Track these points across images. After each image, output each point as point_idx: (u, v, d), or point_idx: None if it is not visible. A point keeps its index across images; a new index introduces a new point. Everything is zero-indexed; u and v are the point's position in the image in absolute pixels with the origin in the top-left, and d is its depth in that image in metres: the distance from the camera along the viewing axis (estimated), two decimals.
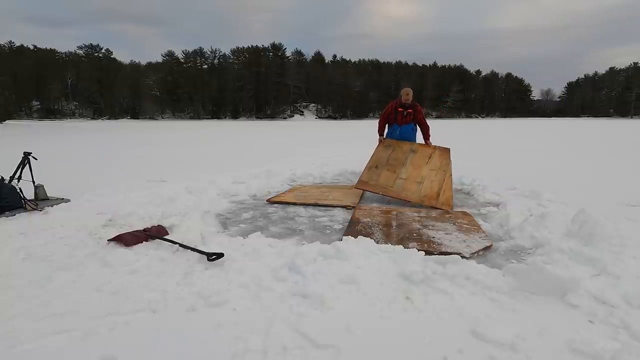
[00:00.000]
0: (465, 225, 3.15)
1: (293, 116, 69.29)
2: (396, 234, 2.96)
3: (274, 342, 1.52)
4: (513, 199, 4.08)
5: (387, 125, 5.25)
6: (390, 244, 2.58)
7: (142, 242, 2.64)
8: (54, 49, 69.09)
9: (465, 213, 3.60)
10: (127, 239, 2.62)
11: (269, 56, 73.08)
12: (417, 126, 5.14)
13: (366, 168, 4.26)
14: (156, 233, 2.79)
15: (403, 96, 5.01)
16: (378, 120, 5.29)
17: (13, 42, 66.01)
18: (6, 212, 3.46)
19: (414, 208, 3.81)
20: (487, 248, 2.64)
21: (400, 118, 5.05)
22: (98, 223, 3.19)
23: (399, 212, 3.67)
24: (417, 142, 5.06)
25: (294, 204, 4.10)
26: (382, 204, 4.19)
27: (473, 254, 2.51)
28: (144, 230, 2.82)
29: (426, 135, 5.09)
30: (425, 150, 4.70)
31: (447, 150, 4.63)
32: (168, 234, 2.84)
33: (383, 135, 5.21)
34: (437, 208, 3.79)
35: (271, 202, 4.21)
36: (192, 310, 1.78)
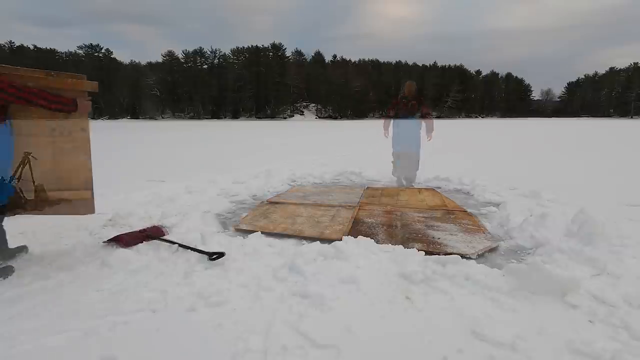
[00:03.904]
0: (470, 226, 3.13)
1: (293, 116, 69.36)
2: (399, 234, 2.95)
3: (274, 342, 1.52)
4: (513, 199, 4.08)
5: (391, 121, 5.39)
6: (391, 244, 2.57)
7: (141, 243, 2.64)
8: (54, 49, 69.40)
9: (468, 214, 3.58)
10: (125, 240, 2.61)
11: (269, 56, 73.16)
12: (422, 122, 5.27)
13: (364, 198, 4.39)
14: (154, 233, 2.78)
15: (405, 90, 5.23)
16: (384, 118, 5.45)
17: (13, 42, 66.26)
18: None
19: (416, 208, 3.80)
20: (492, 250, 2.62)
21: (404, 107, 5.15)
22: (98, 223, 3.19)
23: (401, 212, 3.66)
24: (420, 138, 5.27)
25: (294, 204, 4.10)
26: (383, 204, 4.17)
27: (479, 255, 2.49)
28: (142, 230, 2.81)
29: (429, 128, 5.31)
30: (412, 189, 4.97)
31: (433, 189, 4.93)
32: (167, 234, 2.83)
33: (387, 134, 5.38)
34: (444, 209, 3.78)
35: (271, 202, 4.21)
36: (192, 310, 1.78)
